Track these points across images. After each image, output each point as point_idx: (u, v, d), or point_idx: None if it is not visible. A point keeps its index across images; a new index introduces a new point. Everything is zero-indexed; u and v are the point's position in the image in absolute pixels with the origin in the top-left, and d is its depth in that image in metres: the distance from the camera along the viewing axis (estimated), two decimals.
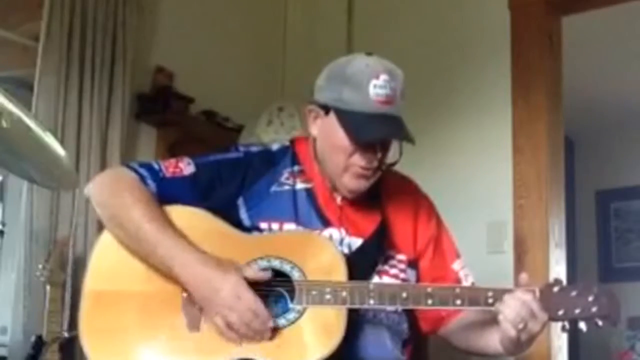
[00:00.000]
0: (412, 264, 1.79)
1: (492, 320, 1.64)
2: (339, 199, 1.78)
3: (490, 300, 1.58)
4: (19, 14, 2.86)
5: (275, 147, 1.83)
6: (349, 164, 1.69)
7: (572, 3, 3.15)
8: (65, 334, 2.31)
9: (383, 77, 1.65)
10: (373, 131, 1.65)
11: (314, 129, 1.75)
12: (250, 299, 1.54)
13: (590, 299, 1.56)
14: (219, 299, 1.54)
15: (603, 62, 4.41)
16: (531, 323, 1.54)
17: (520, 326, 1.53)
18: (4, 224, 2.43)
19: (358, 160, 1.68)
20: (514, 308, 1.54)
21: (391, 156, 1.74)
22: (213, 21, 3.39)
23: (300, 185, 1.77)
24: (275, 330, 1.56)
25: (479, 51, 3.19)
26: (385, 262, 1.75)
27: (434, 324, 1.80)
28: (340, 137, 1.68)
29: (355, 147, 1.67)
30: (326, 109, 1.70)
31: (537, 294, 1.57)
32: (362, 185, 1.72)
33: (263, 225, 1.71)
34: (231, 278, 1.55)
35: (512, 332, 1.54)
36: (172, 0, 3.23)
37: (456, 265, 1.83)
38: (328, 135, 1.71)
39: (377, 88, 1.64)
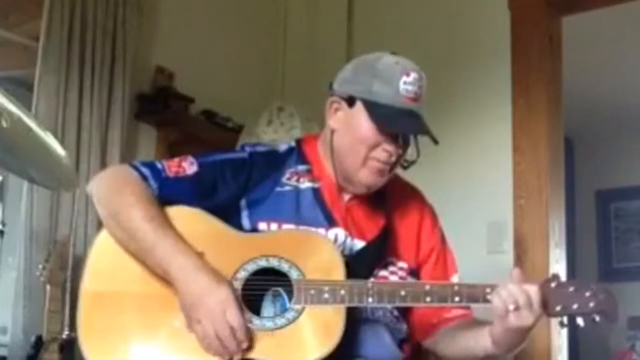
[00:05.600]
0: (413, 272, 1.79)
1: (483, 324, 1.64)
2: (346, 200, 1.78)
3: (489, 297, 1.57)
4: (19, 14, 2.87)
5: (282, 148, 1.83)
6: (368, 157, 1.69)
7: (572, 3, 3.15)
8: (64, 336, 2.30)
9: (413, 75, 1.68)
10: (402, 124, 1.68)
11: (334, 121, 1.75)
12: (233, 317, 1.52)
13: (588, 294, 1.55)
14: (203, 308, 1.53)
15: (603, 62, 4.41)
16: (525, 311, 1.52)
17: (511, 307, 1.51)
18: (4, 224, 2.43)
19: (379, 153, 1.69)
20: (510, 288, 1.52)
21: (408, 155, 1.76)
22: (213, 21, 3.39)
23: (305, 185, 1.77)
24: (266, 334, 1.55)
25: (479, 51, 3.19)
26: (385, 268, 1.75)
27: (426, 331, 1.79)
28: (365, 128, 1.68)
29: (378, 140, 1.68)
30: (350, 101, 1.71)
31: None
32: (378, 180, 1.73)
33: (262, 225, 1.70)
34: (222, 291, 1.54)
35: (501, 308, 1.51)
36: (172, 0, 3.23)
37: (455, 279, 1.82)
38: (351, 127, 1.71)
39: (407, 84, 1.67)
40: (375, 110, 1.67)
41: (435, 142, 1.68)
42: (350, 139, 1.71)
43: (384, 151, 1.69)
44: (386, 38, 3.33)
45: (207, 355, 1.56)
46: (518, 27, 3.10)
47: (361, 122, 1.69)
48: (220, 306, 1.52)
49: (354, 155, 1.71)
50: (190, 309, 1.55)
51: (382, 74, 1.68)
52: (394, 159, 1.71)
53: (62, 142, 2.38)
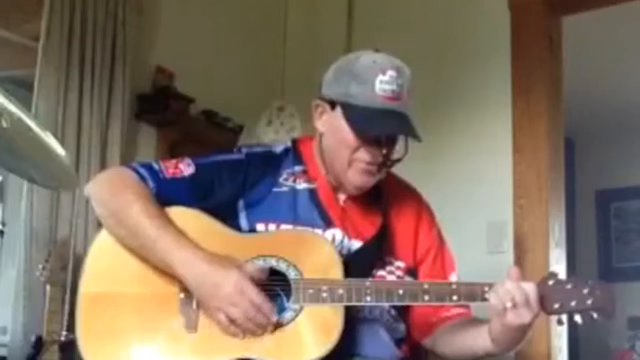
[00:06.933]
0: (411, 271, 1.79)
1: (482, 323, 1.64)
2: (342, 200, 1.78)
3: (487, 295, 1.57)
4: (19, 14, 2.86)
5: (279, 148, 1.83)
6: (353, 159, 1.70)
7: (572, 3, 3.15)
8: (63, 337, 2.30)
9: (390, 73, 1.66)
10: (377, 126, 1.67)
11: (320, 125, 1.76)
12: (254, 294, 1.54)
13: (585, 291, 1.56)
14: (221, 294, 1.54)
15: (603, 62, 4.41)
16: (523, 309, 1.52)
17: (509, 304, 1.51)
18: (4, 224, 2.43)
19: (363, 155, 1.69)
20: (507, 286, 1.53)
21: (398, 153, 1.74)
22: (213, 21, 3.39)
23: (302, 186, 1.77)
24: (275, 327, 1.56)
25: (479, 51, 3.19)
26: (383, 267, 1.75)
27: (425, 330, 1.79)
28: (346, 131, 1.68)
29: (360, 142, 1.68)
30: (333, 104, 1.71)
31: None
32: (367, 181, 1.73)
33: (260, 226, 1.71)
34: (233, 274, 1.55)
35: (499, 306, 1.52)
36: (172, 0, 3.23)
37: (453, 277, 1.82)
38: (334, 130, 1.72)
39: (383, 84, 1.65)
40: (352, 112, 1.67)
41: (419, 140, 1.66)
42: (334, 142, 1.72)
43: (368, 152, 1.69)
44: (386, 38, 3.31)
45: (206, 355, 1.56)
46: (518, 27, 3.10)
47: (341, 125, 1.69)
48: (236, 288, 1.53)
49: (339, 158, 1.71)
50: (206, 299, 1.56)
51: (358, 75, 1.67)
52: (380, 159, 1.70)
53: (62, 142, 2.38)
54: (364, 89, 1.66)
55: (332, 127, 1.72)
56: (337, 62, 1.76)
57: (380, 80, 1.65)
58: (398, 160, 1.73)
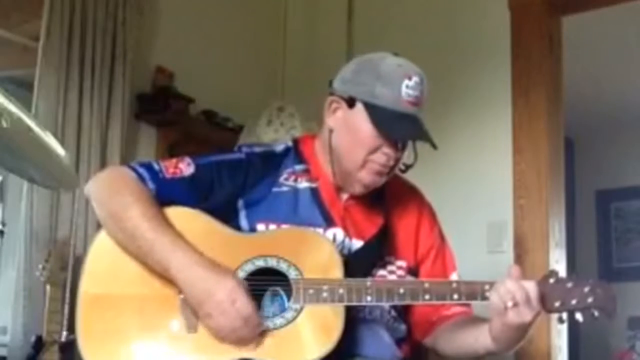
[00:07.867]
0: (412, 270, 1.79)
1: (483, 321, 1.64)
2: (344, 199, 1.78)
3: (487, 294, 1.57)
4: (19, 14, 2.86)
5: (279, 148, 1.83)
6: (368, 160, 1.69)
7: (572, 3, 3.15)
8: (63, 337, 2.30)
9: (415, 79, 1.67)
10: (403, 130, 1.67)
11: (332, 121, 1.75)
12: (244, 306, 1.53)
13: (586, 289, 1.56)
14: (212, 302, 1.53)
15: (603, 62, 4.41)
16: (524, 307, 1.52)
17: (510, 304, 1.51)
18: (4, 224, 2.43)
19: (379, 156, 1.69)
20: (508, 285, 1.53)
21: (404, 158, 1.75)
22: (213, 21, 3.39)
23: (303, 185, 1.77)
24: (266, 333, 1.56)
25: (479, 51, 3.19)
26: (384, 267, 1.74)
27: (426, 329, 1.79)
28: (366, 130, 1.68)
29: (377, 143, 1.68)
30: (351, 102, 1.70)
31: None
32: (378, 181, 1.73)
33: (260, 226, 1.70)
34: (228, 282, 1.54)
35: (499, 304, 1.52)
36: (172, 0, 3.23)
37: (454, 277, 1.82)
38: (351, 128, 1.70)
39: (409, 88, 1.66)
40: (376, 113, 1.66)
41: (434, 147, 1.67)
42: (350, 141, 1.71)
43: (383, 154, 1.69)
44: (386, 38, 3.33)
45: (206, 355, 1.56)
46: (518, 27, 3.10)
47: (361, 124, 1.68)
48: (228, 298, 1.53)
49: (353, 157, 1.70)
50: (198, 305, 1.55)
51: (384, 76, 1.67)
52: (392, 162, 1.71)
53: (62, 142, 2.38)
54: (390, 90, 1.66)
55: (348, 125, 1.71)
56: (357, 61, 1.75)
57: (406, 84, 1.66)
58: (411, 166, 1.74)
